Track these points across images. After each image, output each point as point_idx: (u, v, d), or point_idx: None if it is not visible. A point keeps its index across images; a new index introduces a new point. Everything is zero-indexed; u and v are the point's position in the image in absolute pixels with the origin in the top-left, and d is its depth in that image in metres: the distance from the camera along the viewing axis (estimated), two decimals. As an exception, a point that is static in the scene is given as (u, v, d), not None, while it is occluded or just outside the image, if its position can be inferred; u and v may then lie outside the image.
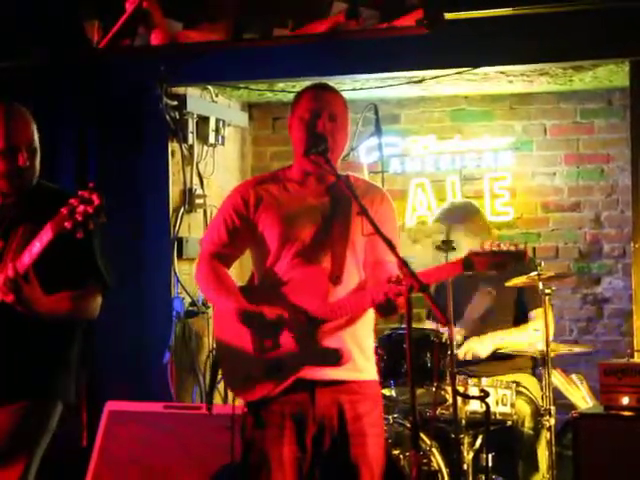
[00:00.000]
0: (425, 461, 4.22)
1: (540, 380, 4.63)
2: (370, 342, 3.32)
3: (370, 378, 3.28)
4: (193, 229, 5.56)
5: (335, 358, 3.14)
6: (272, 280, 3.26)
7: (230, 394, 3.43)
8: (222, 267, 3.34)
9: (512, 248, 3.04)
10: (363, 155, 5.74)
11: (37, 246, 3.18)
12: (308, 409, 3.18)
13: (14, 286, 3.20)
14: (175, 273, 5.35)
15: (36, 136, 3.46)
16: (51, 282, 3.31)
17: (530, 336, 4.72)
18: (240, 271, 3.41)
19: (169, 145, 5.35)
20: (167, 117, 5.26)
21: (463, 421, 4.36)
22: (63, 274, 3.35)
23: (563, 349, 4.63)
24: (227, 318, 3.22)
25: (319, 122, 3.21)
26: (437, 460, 4.30)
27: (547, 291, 4.41)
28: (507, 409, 4.48)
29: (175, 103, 5.33)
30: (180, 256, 5.40)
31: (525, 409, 4.64)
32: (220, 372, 3.42)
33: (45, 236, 3.15)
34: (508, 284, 4.57)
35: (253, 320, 3.16)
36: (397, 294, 2.97)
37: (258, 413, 3.20)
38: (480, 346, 4.77)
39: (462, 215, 4.90)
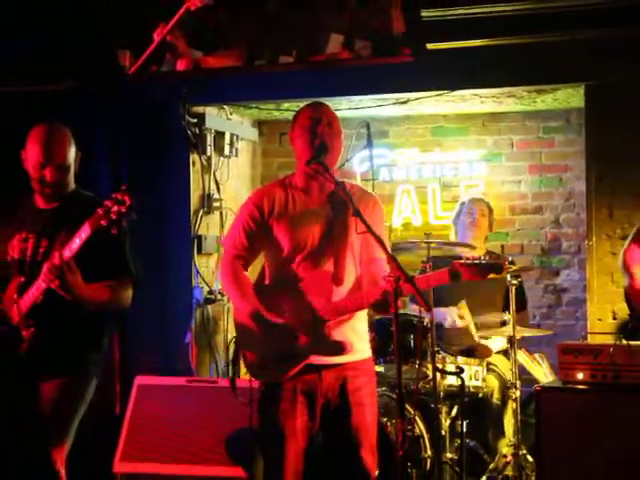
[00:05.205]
0: (409, 427, 4.26)
1: (508, 358, 4.67)
2: (365, 326, 3.35)
3: (366, 356, 3.32)
4: (211, 228, 5.58)
5: (339, 349, 3.20)
6: (284, 280, 3.26)
7: (242, 372, 3.47)
8: (241, 269, 3.34)
9: (492, 261, 3.05)
10: (356, 165, 5.78)
11: (77, 240, 3.24)
12: (317, 386, 3.21)
13: (59, 273, 3.24)
14: (195, 266, 5.36)
15: (71, 154, 3.51)
16: (89, 274, 3.37)
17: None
18: (251, 268, 3.43)
19: (190, 156, 5.37)
20: (188, 132, 5.30)
21: (441, 393, 4.42)
22: (99, 268, 3.43)
23: (527, 332, 4.67)
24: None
25: (319, 127, 3.21)
26: (419, 427, 4.36)
27: (514, 282, 4.42)
28: (479, 383, 4.53)
29: (195, 120, 5.36)
30: (199, 251, 5.42)
31: (494, 383, 4.68)
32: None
33: (84, 232, 3.21)
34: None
35: (263, 321, 3.19)
36: (389, 294, 2.95)
37: (274, 390, 3.23)
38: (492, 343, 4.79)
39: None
